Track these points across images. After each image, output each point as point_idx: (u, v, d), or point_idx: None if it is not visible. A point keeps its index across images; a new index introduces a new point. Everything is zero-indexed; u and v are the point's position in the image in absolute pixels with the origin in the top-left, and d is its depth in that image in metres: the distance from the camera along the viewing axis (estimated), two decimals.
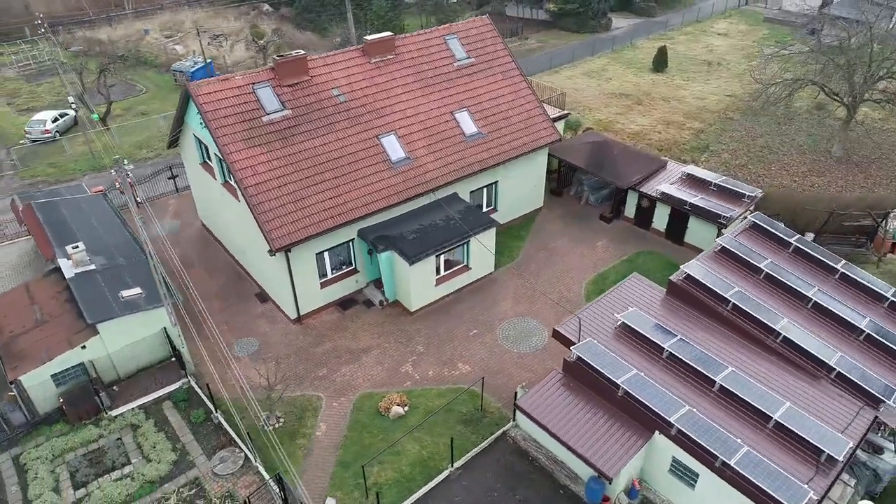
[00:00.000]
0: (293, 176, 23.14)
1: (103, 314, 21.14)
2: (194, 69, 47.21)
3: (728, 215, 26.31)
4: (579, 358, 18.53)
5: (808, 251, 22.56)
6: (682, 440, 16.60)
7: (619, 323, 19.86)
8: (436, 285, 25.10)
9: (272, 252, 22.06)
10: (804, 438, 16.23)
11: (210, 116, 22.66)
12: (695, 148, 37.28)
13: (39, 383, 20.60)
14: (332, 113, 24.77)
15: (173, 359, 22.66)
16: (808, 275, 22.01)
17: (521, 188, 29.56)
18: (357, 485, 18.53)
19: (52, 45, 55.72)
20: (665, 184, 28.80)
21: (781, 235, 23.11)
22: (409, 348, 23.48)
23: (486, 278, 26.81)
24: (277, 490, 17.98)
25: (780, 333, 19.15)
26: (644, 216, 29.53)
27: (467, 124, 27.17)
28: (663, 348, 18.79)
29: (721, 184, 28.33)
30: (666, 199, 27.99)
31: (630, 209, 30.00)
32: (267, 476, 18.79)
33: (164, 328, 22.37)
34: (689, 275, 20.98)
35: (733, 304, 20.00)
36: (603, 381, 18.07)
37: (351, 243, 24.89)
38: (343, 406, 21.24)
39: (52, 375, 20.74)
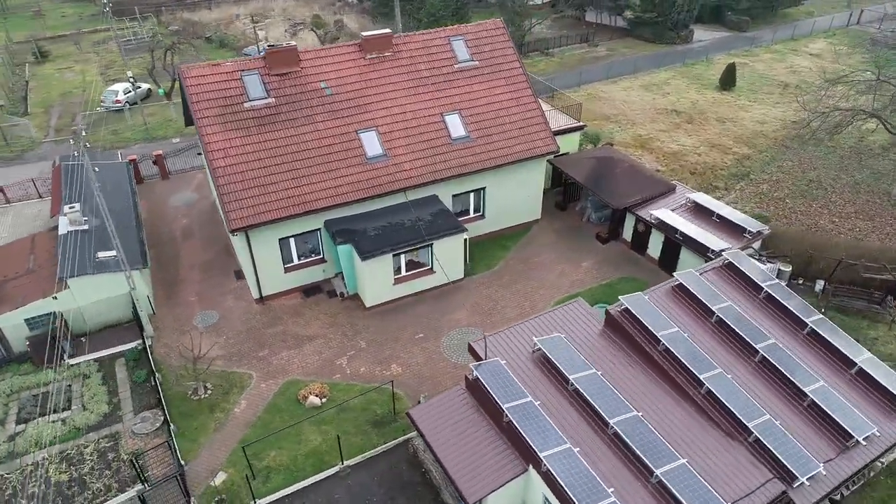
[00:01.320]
0: (263, 162, 24.00)
1: (75, 270, 23.15)
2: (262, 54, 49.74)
3: (717, 249, 24.18)
4: (476, 377, 17.92)
5: (780, 299, 20.29)
6: (549, 479, 15.65)
7: (536, 347, 18.96)
8: (394, 284, 25.11)
9: (231, 231, 23.12)
10: (682, 502, 14.78)
11: (194, 98, 24.01)
12: (733, 175, 34.44)
13: (13, 325, 22.91)
14: (316, 105, 25.38)
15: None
16: (772, 325, 19.85)
17: (514, 197, 28.76)
18: (232, 464, 19.07)
19: (153, 23, 61.00)
20: (664, 209, 26.90)
21: (754, 278, 20.94)
22: (352, 342, 23.70)
23: (454, 284, 26.45)
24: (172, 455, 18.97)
25: (704, 385, 17.47)
26: (640, 241, 27.79)
27: (456, 127, 26.83)
28: (569, 380, 17.74)
29: (725, 215, 26.06)
30: (660, 225, 26.19)
31: (628, 232, 28.34)
32: (176, 442, 19.83)
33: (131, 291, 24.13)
34: (627, 308, 19.60)
35: (665, 346, 18.46)
36: (492, 405, 17.38)
37: (319, 233, 25.46)
38: (269, 388, 21.86)
39: (26, 320, 22.97)
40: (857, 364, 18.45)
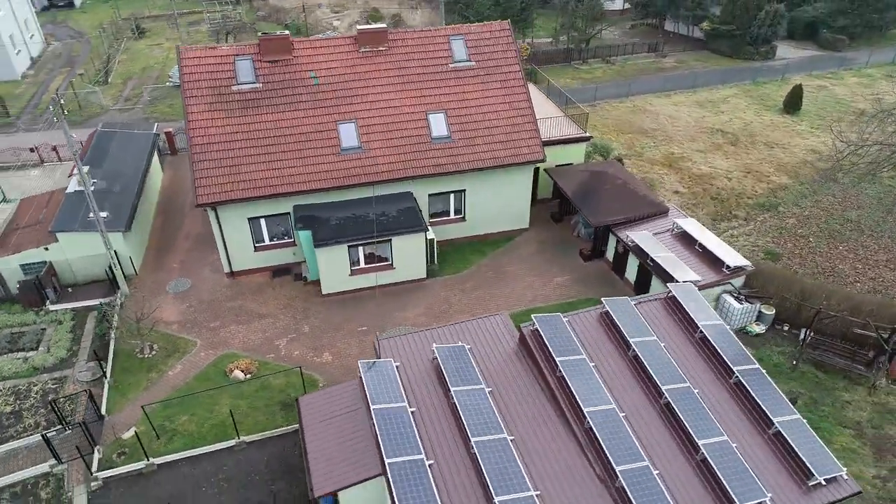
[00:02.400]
0: (240, 143, 25.11)
1: (64, 226, 25.45)
2: None
3: (681, 280, 22.40)
4: (361, 377, 17.88)
5: (714, 342, 18.52)
6: (389, 488, 15.37)
7: (433, 355, 18.59)
8: (351, 275, 25.44)
9: (196, 206, 24.46)
10: None
11: (185, 78, 25.53)
12: (760, 205, 31.57)
13: (11, 269, 25.59)
14: (301, 93, 26.15)
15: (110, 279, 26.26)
16: (699, 369, 18.20)
17: (497, 203, 28.11)
18: (160, 425, 20.21)
19: (245, 8, 64.91)
20: (645, 232, 25.27)
21: (693, 316, 19.23)
22: (297, 326, 24.33)
23: (416, 283, 26.36)
24: (91, 404, 20.48)
25: (586, 420, 16.38)
26: (620, 263, 26.29)
27: (438, 126, 26.64)
28: (450, 392, 17.27)
29: (707, 246, 24.08)
30: (635, 248, 24.65)
31: (612, 252, 26.89)
32: (105, 394, 21.39)
33: (115, 250, 26.12)
34: (537, 328, 18.71)
35: (561, 372, 17.48)
36: (367, 405, 17.29)
37: (290, 216, 26.28)
38: (206, 357, 22.96)
39: (21, 265, 25.61)
40: (775, 424, 16.55)
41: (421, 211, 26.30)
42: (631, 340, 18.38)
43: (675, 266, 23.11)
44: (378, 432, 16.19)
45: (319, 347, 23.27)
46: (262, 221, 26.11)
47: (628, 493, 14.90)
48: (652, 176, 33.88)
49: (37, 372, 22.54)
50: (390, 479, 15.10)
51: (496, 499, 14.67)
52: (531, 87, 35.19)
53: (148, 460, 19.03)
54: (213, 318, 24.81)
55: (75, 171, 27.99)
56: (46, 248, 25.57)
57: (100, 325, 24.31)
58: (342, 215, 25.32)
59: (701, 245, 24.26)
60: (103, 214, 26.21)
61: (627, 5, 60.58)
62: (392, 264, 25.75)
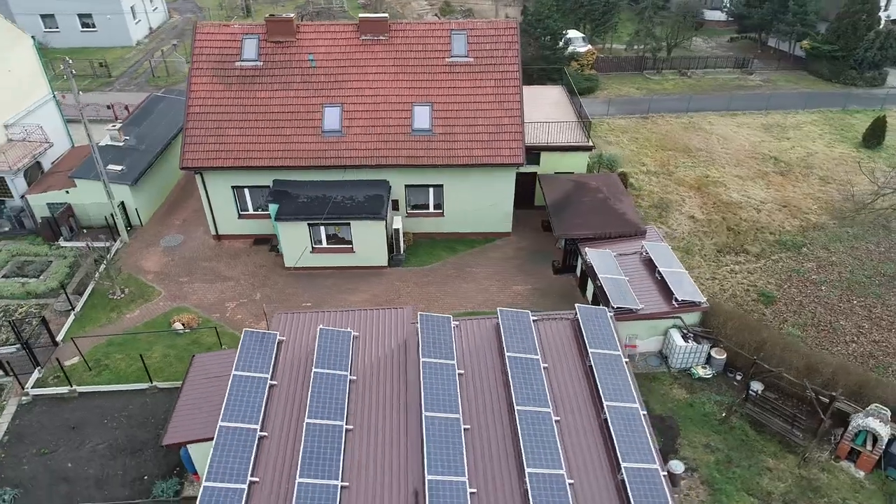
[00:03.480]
0: (231, 115, 26.75)
1: (82, 174, 28.62)
2: None
3: (617, 306, 20.86)
4: (242, 342, 18.62)
5: (596, 374, 17.15)
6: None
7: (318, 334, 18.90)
8: (312, 252, 26.30)
9: (180, 168, 26.48)
10: None
11: (196, 51, 27.61)
12: (780, 243, 28.30)
13: (40, 205, 29.24)
14: (297, 74, 27.30)
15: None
16: (572, 397, 17.00)
17: (475, 203, 27.64)
18: (97, 359, 22.34)
19: None
20: (607, 251, 23.73)
21: (587, 342, 17.91)
22: (250, 293, 25.63)
23: (376, 269, 26.69)
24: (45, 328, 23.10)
25: (423, 424, 15.94)
26: (585, 279, 24.91)
27: (421, 119, 26.68)
28: (313, 373, 17.52)
29: (667, 276, 22.17)
30: (588, 266, 23.26)
31: (580, 267, 25.53)
32: (68, 324, 23.98)
33: (122, 202, 28.96)
34: (419, 327, 18.39)
35: (421, 371, 17.11)
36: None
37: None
38: (162, 307, 24.93)
39: (47, 203, 29.18)
40: (621, 470, 15.13)
41: (390, 200, 26.64)
42: (507, 354, 17.60)
43: (617, 290, 21.57)
44: (227, 396, 16.91)
45: (260, 315, 24.38)
46: (246, 191, 27.69)
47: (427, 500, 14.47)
48: (671, 197, 31.53)
49: (29, 297, 25.67)
50: (214, 441, 15.79)
51: (299, 479, 14.89)
52: (556, 90, 34.04)
53: (71, 387, 21.21)
54: (186, 273, 26.80)
55: (110, 126, 31.35)
56: (67, 192, 28.94)
57: (92, 265, 27.19)
58: (312, 194, 26.23)
59: (661, 273, 22.41)
60: (118, 168, 29.22)
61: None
62: (352, 248, 26.32)
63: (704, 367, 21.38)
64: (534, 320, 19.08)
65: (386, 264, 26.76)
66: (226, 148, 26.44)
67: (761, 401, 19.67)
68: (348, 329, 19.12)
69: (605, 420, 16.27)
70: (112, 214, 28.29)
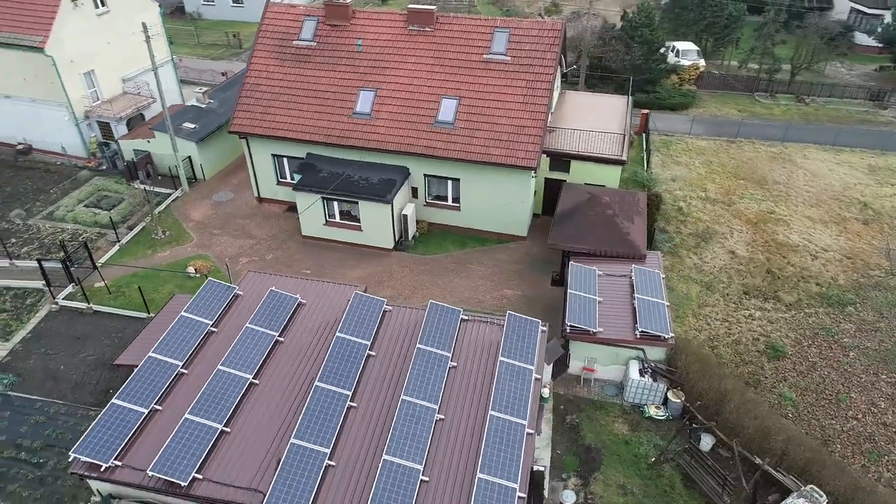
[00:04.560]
0: (279, 89, 28.94)
1: (159, 128, 32.50)
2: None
3: (571, 325, 19.92)
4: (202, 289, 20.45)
5: (494, 386, 16.65)
6: None
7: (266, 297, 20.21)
8: (325, 224, 27.78)
9: (228, 132, 29.18)
10: None
11: (262, 28, 30.11)
12: (824, 297, 24.89)
13: (129, 150, 33.70)
14: (343, 56, 28.81)
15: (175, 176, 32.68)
16: (468, 400, 16.74)
17: (490, 202, 27.47)
18: (118, 286, 25.59)
19: None
20: (591, 269, 22.55)
21: (500, 349, 17.37)
22: (263, 253, 27.73)
23: (381, 251, 27.57)
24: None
25: (310, 392, 16.62)
26: None
27: (446, 111, 27.00)
28: (244, 326, 18.89)
29: (639, 304, 20.71)
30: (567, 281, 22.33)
31: None
32: (110, 253, 27.66)
33: (189, 156, 32.50)
34: (352, 302, 19.00)
35: (331, 345, 17.77)
36: None
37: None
38: (189, 252, 27.85)
39: (133, 149, 33.54)
40: (475, 478, 14.72)
41: (404, 186, 27.35)
42: (417, 345, 17.71)
43: (580, 309, 20.58)
44: (166, 332, 18.83)
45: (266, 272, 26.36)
46: (284, 160, 29.84)
47: (280, 469, 15.16)
48: (719, 228, 28.94)
49: (95, 225, 29.87)
50: (137, 367, 17.75)
51: (187, 415, 16.30)
52: (620, 100, 32.46)
53: (88, 305, 24.59)
54: (220, 226, 29.60)
55: (196, 90, 35.21)
56: (148, 142, 33.07)
57: (153, 208, 30.95)
58: (333, 170, 27.68)
59: (635, 300, 20.97)
60: (192, 126, 32.83)
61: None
62: (360, 227, 27.42)
63: (658, 408, 19.78)
64: (464, 320, 18.97)
65: (391, 247, 27.58)
66: (269, 118, 28.70)
67: (699, 455, 17.88)
68: (296, 295, 20.33)
69: (484, 429, 15.94)
70: (176, 166, 31.96)
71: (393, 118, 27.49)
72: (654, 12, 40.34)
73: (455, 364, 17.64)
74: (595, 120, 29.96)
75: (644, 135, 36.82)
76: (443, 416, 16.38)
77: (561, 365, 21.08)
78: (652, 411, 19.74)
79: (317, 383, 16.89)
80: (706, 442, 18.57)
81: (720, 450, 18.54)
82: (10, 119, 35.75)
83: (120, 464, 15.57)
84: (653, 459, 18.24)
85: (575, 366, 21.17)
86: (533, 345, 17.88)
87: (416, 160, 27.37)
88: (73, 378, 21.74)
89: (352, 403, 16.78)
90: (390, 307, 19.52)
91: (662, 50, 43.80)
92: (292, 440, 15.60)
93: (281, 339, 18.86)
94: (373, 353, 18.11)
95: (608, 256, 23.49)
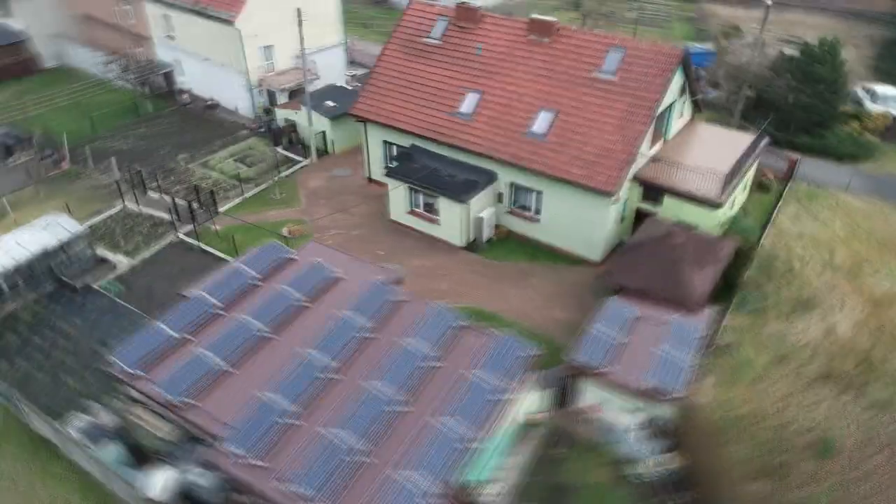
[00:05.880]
0: (399, 80, 30.92)
1: (303, 102, 36.38)
2: (697, 51, 49.80)
3: (571, 359, 19.16)
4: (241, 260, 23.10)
5: (459, 396, 16.77)
6: None
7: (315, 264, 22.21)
8: (407, 212, 29.30)
9: (347, 113, 31.92)
10: None
11: (402, 22, 32.20)
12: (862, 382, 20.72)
13: (280, 118, 38.27)
14: (462, 58, 29.87)
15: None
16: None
17: (568, 221, 26.94)
18: (227, 233, 29.59)
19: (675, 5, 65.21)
20: (633, 308, 21.22)
21: (480, 364, 17.38)
22: (352, 229, 30.14)
23: (452, 246, 28.39)
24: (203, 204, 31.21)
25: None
26: None
27: (541, 123, 26.89)
28: (272, 286, 21.10)
29: (662, 354, 19.21)
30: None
31: None
32: (231, 203, 31.94)
33: (324, 131, 36.04)
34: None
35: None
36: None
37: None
38: (293, 215, 31.21)
39: (284, 118, 38.01)
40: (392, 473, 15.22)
41: (487, 189, 27.84)
42: (406, 338, 18.43)
43: (593, 344, 19.71)
44: (219, 275, 21.77)
45: (343, 245, 28.54)
46: (393, 148, 31.87)
47: (247, 413, 17.04)
48: (828, 299, 25.15)
49: (234, 178, 34.62)
50: (187, 299, 20.88)
51: (203, 349, 18.91)
52: (747, 139, 29.46)
53: (198, 243, 28.89)
54: (327, 198, 32.63)
55: (347, 71, 38.74)
56: (295, 113, 37.27)
57: (282, 172, 35.00)
58: (428, 164, 29.06)
59: (661, 350, 19.48)
60: (332, 104, 36.36)
61: None
62: (438, 220, 28.48)
63: (650, 466, 18.35)
64: (462, 326, 19.30)
65: (461, 245, 28.32)
66: (385, 107, 30.88)
67: None
68: (337, 270, 22.14)
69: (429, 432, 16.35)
70: (309, 138, 35.69)
71: (489, 122, 28.06)
72: (838, 47, 35.46)
73: (440, 366, 18.17)
74: (708, 155, 27.77)
75: (786, 182, 32.95)
76: (401, 409, 17.08)
77: (569, 398, 20.44)
78: (642, 468, 18.42)
79: (308, 349, 18.55)
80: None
81: None
82: (206, 78, 42.54)
83: (143, 374, 18.65)
84: None
85: (583, 402, 20.36)
86: (514, 366, 17.73)
87: (504, 167, 27.71)
88: (158, 296, 25.75)
89: (333, 375, 18.16)
90: (403, 298, 20.50)
91: (857, 90, 38.57)
92: (267, 392, 17.44)
93: (308, 304, 20.83)
94: (371, 336, 19.29)
95: (658, 300, 21.99)
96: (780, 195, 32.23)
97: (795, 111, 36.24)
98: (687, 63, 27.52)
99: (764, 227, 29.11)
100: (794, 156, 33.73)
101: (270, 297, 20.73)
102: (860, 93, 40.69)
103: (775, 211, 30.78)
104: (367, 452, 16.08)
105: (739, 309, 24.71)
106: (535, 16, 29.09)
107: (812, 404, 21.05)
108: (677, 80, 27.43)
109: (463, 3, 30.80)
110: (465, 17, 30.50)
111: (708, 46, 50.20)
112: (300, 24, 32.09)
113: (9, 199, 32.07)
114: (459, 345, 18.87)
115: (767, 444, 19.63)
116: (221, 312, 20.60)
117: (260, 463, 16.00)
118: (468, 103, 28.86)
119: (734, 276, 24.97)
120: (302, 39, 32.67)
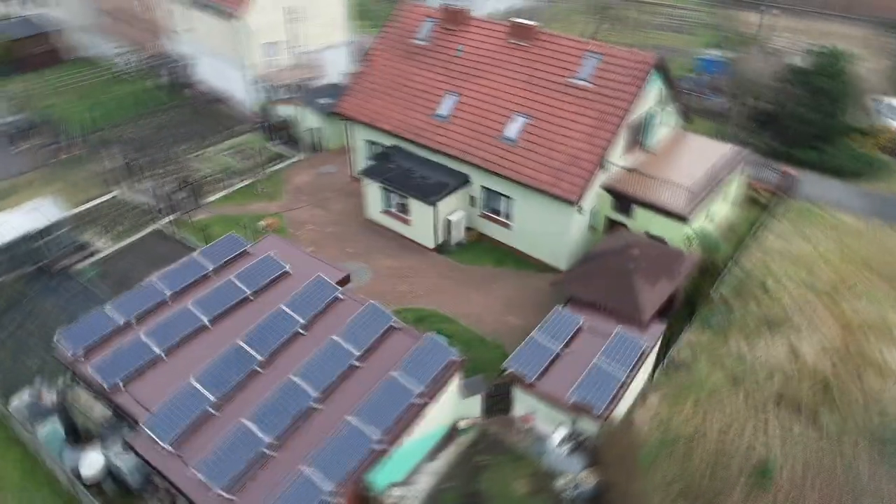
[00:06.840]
0: (383, 80, 31.11)
1: (304, 100, 36.94)
2: (709, 58, 48.43)
3: (505, 367, 18.96)
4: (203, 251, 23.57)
5: (371, 396, 16.79)
6: None
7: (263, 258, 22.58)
8: (381, 212, 29.46)
9: (332, 112, 32.23)
10: None
11: (391, 23, 32.35)
12: (884, 437, 19.71)
13: (287, 118, 38.97)
14: (443, 59, 29.86)
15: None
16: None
17: (536, 227, 26.64)
18: (207, 224, 30.30)
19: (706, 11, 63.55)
20: (578, 317, 20.86)
21: (400, 365, 17.36)
22: (327, 226, 30.45)
23: (422, 247, 28.42)
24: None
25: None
26: None
27: (512, 128, 26.65)
28: (223, 278, 21.53)
29: (593, 368, 18.83)
30: None
31: None
32: (214, 197, 32.67)
33: (319, 127, 36.52)
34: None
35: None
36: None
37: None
38: (273, 209, 31.70)
39: (281, 114, 38.69)
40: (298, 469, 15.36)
41: (457, 191, 27.77)
42: (333, 336, 18.57)
43: (529, 353, 19.47)
44: (174, 266, 22.34)
45: (315, 242, 29.03)
46: (373, 147, 32.03)
47: (171, 399, 17.46)
48: (798, 319, 24.27)
49: (227, 170, 35.40)
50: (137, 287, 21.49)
51: (142, 335, 19.45)
52: (725, 148, 28.61)
53: (176, 231, 29.68)
54: (309, 194, 33.06)
55: (344, 71, 39.13)
56: (293, 108, 37.89)
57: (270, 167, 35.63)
58: (405, 165, 29.15)
59: (595, 364, 19.11)
60: (326, 101, 36.81)
61: None
62: (410, 221, 28.54)
63: (570, 482, 18.04)
64: (394, 327, 19.32)
65: (431, 247, 28.31)
66: (369, 106, 31.11)
67: None
68: (287, 265, 22.45)
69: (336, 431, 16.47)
70: (297, 133, 36.22)
71: (464, 125, 27.98)
72: (842, 58, 34.02)
73: (361, 365, 18.27)
74: (687, 167, 27.10)
75: (778, 197, 31.82)
76: (322, 407, 17.24)
77: (503, 406, 20.27)
78: (561, 483, 18.12)
79: (238, 341, 18.89)
80: None
81: None
82: (213, 72, 43.63)
83: (80, 357, 19.30)
84: None
85: (516, 411, 20.15)
86: (433, 370, 17.69)
87: (477, 170, 27.58)
88: (129, 278, 26.53)
89: (258, 368, 18.45)
90: (343, 297, 20.65)
91: (879, 103, 37.05)
92: (191, 380, 17.84)
93: (252, 297, 21.20)
94: (304, 333, 19.51)
95: (608, 312, 21.57)
96: (768, 210, 31.18)
97: (794, 123, 34.96)
98: (665, 70, 26.86)
99: (741, 243, 28.25)
100: (790, 170, 32.53)
101: (216, 288, 21.16)
102: (881, 107, 38.95)
103: (756, 227, 29.81)
104: (277, 447, 16.35)
105: (702, 325, 24.09)
106: (515, 19, 28.86)
107: (758, 428, 20.36)
108: (654, 88, 26.81)
109: (448, 4, 30.80)
110: (451, 18, 30.48)
111: (721, 54, 48.77)
112: (293, 21, 32.56)
113: (11, 183, 33.61)
114: (387, 346, 18.92)
115: (701, 467, 19.10)
116: (167, 301, 21.14)
117: (171, 450, 16.40)
118: (446, 105, 28.84)
119: (697, 291, 24.36)
120: (301, 37, 33.17)
